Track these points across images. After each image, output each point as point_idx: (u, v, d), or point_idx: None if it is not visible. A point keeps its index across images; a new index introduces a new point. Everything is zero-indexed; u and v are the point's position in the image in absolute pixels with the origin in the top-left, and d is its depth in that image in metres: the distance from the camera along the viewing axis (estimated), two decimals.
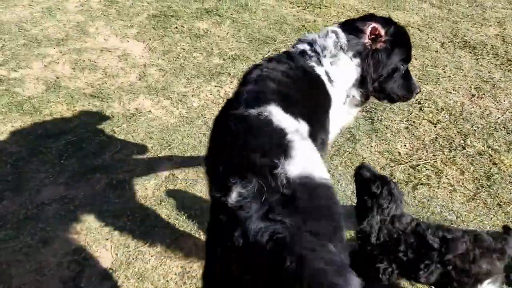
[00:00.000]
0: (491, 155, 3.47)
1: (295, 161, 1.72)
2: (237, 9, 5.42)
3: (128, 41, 4.81)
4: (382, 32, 2.34)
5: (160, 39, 4.84)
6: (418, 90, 2.62)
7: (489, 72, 4.35)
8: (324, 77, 2.31)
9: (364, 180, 2.40)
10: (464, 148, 3.55)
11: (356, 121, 3.71)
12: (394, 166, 3.38)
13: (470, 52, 4.69)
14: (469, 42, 4.84)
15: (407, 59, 2.49)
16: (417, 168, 3.37)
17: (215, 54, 4.65)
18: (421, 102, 3.96)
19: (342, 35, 2.35)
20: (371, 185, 2.34)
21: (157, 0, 5.53)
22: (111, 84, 4.21)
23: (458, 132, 3.69)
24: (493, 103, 3.97)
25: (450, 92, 4.10)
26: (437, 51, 4.69)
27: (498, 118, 3.80)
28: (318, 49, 2.34)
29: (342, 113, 2.51)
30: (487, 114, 3.84)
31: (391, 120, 3.80)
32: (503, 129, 3.70)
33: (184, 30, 5.01)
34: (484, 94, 4.06)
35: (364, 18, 2.45)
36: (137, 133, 3.70)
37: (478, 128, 3.72)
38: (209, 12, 5.34)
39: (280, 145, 1.77)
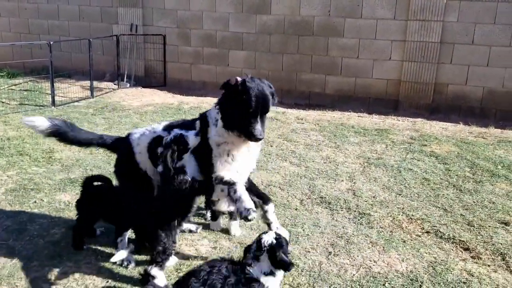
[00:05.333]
0: None
1: None
2: None
3: None
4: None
5: (15, 217, 4.56)
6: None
7: (343, 227, 4.67)
8: None
9: None
10: None
11: None
12: None
13: (326, 208, 5.06)
14: (325, 197, 5.26)
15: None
16: None
17: None
18: None
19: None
20: None
21: (18, 173, 5.35)
22: None
23: None
24: (348, 259, 4.18)
25: (309, 251, 4.26)
26: (296, 209, 4.99)
27: (354, 275, 3.98)
28: None
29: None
30: (343, 272, 4.01)
31: None
32: (358, 286, 3.85)
33: (44, 204, 4.80)
34: (339, 250, 4.29)
35: None
36: None
37: None
38: (73, 183, 5.25)
39: None
